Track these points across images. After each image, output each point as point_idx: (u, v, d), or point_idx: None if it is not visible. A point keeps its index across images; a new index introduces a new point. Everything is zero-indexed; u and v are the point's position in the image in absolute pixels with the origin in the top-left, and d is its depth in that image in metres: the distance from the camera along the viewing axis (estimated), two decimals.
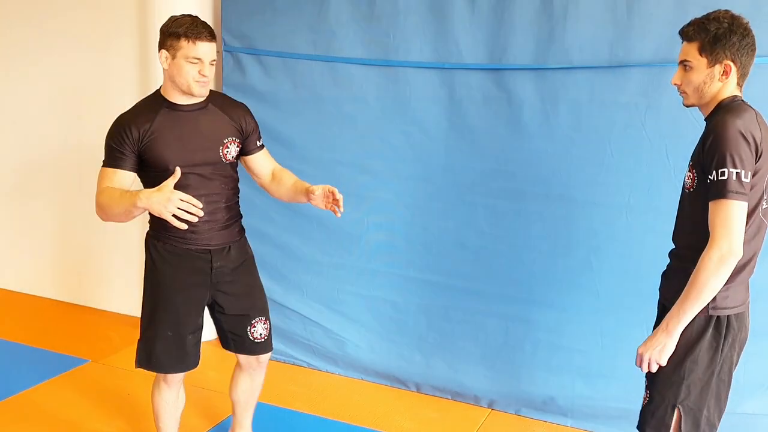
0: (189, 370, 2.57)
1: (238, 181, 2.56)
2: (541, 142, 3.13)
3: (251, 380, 2.75)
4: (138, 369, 2.59)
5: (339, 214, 2.40)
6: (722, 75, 1.93)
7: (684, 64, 1.98)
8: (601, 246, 3.10)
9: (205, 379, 3.60)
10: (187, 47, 2.27)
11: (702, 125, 2.03)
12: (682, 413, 2.00)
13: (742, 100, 1.97)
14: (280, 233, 3.73)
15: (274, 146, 3.63)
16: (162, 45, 2.33)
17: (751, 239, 1.94)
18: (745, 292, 2.03)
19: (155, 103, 2.40)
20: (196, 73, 2.30)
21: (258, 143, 2.58)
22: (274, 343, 3.09)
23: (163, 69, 2.36)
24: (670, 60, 2.78)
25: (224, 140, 2.44)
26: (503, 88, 3.14)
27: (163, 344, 2.50)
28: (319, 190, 2.43)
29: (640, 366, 2.01)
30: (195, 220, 2.16)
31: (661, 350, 1.96)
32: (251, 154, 2.58)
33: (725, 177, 1.80)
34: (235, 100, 2.58)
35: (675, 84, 2.04)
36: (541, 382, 3.28)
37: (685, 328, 1.95)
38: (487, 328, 3.35)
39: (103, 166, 2.39)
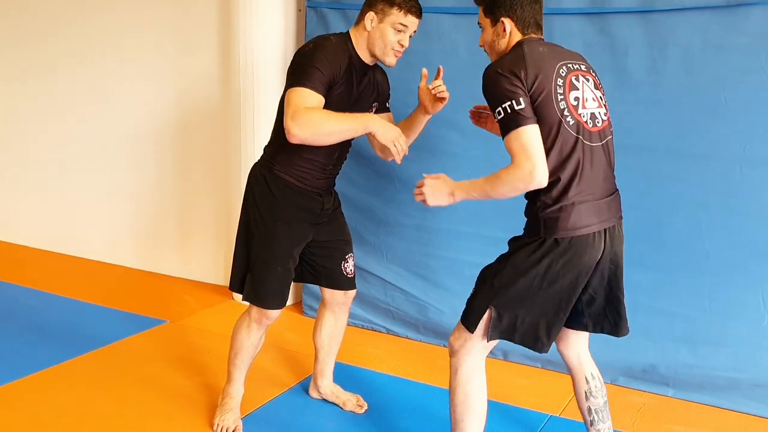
0: (285, 306, 2.59)
1: None
2: (647, 91, 2.93)
3: (335, 320, 2.82)
4: (209, 328, 2.60)
5: (399, 161, 2.34)
6: (503, 32, 2.12)
7: (479, 26, 2.22)
8: (711, 202, 2.89)
9: (286, 341, 3.55)
10: (397, 15, 2.35)
11: None
12: (493, 313, 2.11)
13: (518, 43, 2.10)
14: (361, 195, 3.63)
15: None
16: (371, 6, 2.38)
17: (565, 159, 2.01)
18: (586, 216, 2.05)
19: (346, 48, 2.41)
20: (396, 42, 2.38)
21: (387, 104, 2.67)
22: (353, 307, 3.15)
23: (362, 29, 2.41)
24: None
25: (372, 104, 2.55)
26: (606, 33, 2.96)
27: (273, 280, 2.51)
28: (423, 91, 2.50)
29: (415, 192, 2.20)
30: (398, 161, 2.31)
31: (435, 199, 2.16)
32: (380, 113, 2.61)
33: (501, 114, 1.97)
34: (382, 69, 2.62)
35: (480, 46, 2.26)
36: (640, 349, 3.08)
37: (518, 244, 2.13)
38: None
39: (299, 86, 2.27)
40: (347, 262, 2.73)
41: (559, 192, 2.03)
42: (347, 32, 2.47)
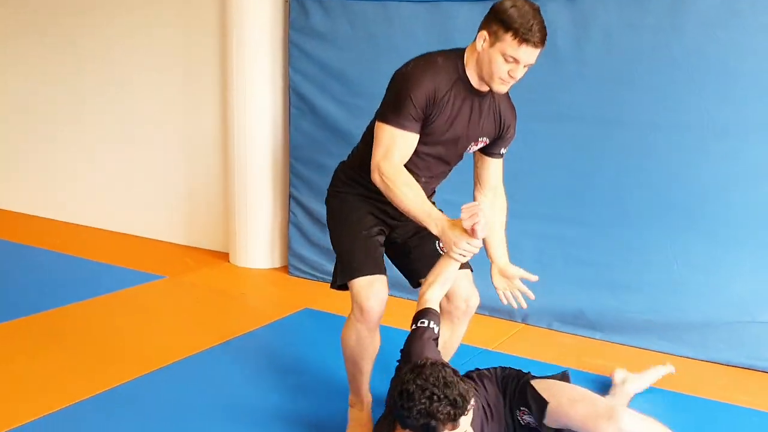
0: (383, 273, 2.27)
1: None
2: (574, 67, 3.33)
3: (452, 330, 2.46)
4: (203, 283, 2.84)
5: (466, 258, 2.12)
6: None
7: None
8: (629, 164, 3.28)
9: (270, 293, 4.01)
10: (510, 44, 2.01)
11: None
12: None
13: None
14: (335, 164, 4.07)
15: (333, 83, 4.02)
16: (486, 26, 2.07)
17: None
18: None
19: (455, 69, 2.16)
20: (505, 73, 2.07)
21: (502, 151, 2.40)
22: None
23: (474, 49, 2.13)
24: None
25: (481, 138, 2.29)
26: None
27: (360, 246, 2.27)
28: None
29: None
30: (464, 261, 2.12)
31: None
32: (490, 157, 2.39)
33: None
34: (511, 102, 2.36)
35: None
36: (571, 296, 3.47)
37: None
38: (522, 246, 3.55)
39: (388, 123, 2.13)
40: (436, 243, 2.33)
41: None
42: (463, 49, 2.19)
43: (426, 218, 2.09)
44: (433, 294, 2.15)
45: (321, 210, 4.10)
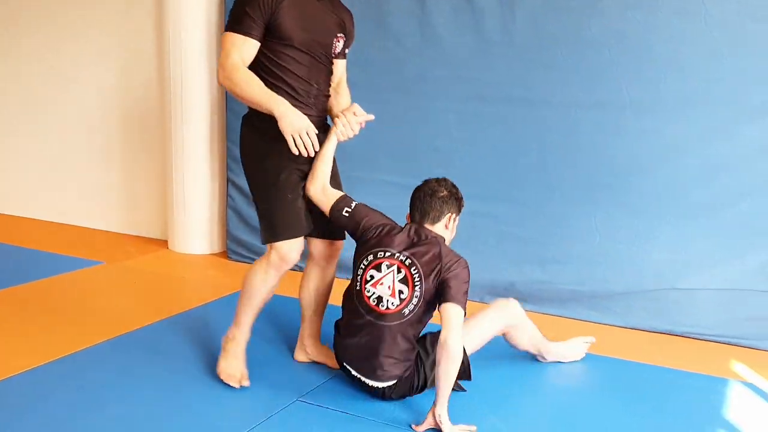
0: (305, 230, 2.52)
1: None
2: (501, 49, 3.45)
3: (323, 275, 2.72)
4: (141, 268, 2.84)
5: (306, 154, 2.35)
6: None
7: None
8: (554, 142, 3.42)
9: (212, 277, 4.01)
10: None
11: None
12: None
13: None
14: None
15: None
16: None
17: None
18: None
19: None
20: None
21: (346, 50, 2.64)
22: None
23: None
24: None
25: (337, 34, 2.53)
26: None
27: (284, 210, 2.46)
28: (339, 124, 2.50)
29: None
30: (305, 154, 2.32)
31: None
32: (338, 58, 2.61)
33: None
34: (343, 5, 2.61)
35: None
36: (503, 270, 3.59)
37: None
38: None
39: (231, 31, 2.34)
40: None
41: None
42: None
43: (268, 100, 2.29)
44: (317, 186, 2.50)
45: None
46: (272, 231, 2.48)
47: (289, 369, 2.79)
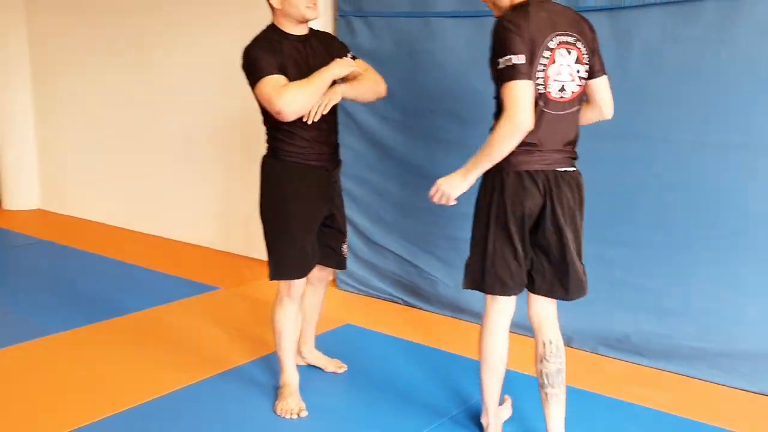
0: (311, 270, 2.78)
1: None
2: (615, 82, 3.19)
3: (315, 293, 3.07)
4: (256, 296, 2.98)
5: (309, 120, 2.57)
6: None
7: None
8: (674, 183, 3.12)
9: None
10: None
11: None
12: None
13: (526, 2, 2.24)
14: (380, 179, 4.09)
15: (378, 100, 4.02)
16: None
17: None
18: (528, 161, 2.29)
19: (275, 33, 2.63)
20: (306, 0, 2.57)
21: (349, 57, 2.78)
22: (376, 281, 3.74)
23: (274, 9, 2.62)
24: None
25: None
26: None
27: (293, 253, 2.69)
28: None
29: (433, 195, 2.31)
30: (317, 117, 2.57)
31: (454, 187, 2.26)
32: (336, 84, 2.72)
33: (500, 65, 2.16)
34: (325, 33, 2.82)
35: (482, 0, 2.41)
36: (616, 320, 3.33)
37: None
38: None
39: (260, 78, 2.51)
40: (345, 242, 2.95)
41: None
42: (270, 24, 2.66)
43: (318, 77, 2.53)
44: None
45: (372, 228, 4.13)
46: (280, 271, 2.72)
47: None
